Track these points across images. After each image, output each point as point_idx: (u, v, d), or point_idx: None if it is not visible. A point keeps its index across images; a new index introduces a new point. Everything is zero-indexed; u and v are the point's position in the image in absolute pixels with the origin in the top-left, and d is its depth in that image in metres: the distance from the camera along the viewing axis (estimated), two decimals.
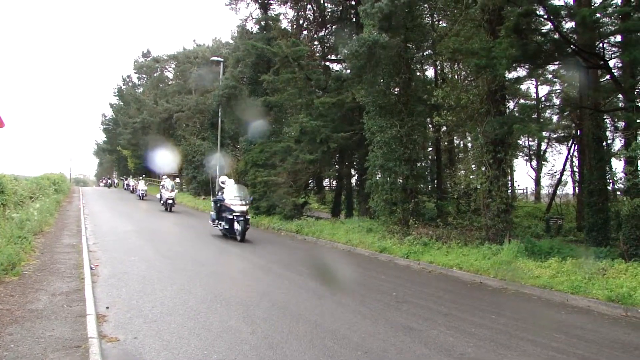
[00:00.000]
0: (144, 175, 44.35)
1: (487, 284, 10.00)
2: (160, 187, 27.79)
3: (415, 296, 8.54)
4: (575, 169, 25.83)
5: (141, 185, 35.64)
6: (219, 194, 16.17)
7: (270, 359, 5.13)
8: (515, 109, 24.89)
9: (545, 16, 11.81)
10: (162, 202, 26.80)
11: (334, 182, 29.98)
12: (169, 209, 25.83)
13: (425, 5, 16.87)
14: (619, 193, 17.75)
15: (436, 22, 19.47)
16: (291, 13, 26.25)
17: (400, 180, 15.38)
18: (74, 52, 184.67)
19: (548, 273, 9.57)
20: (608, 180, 15.01)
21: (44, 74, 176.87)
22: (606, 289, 8.30)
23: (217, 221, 16.16)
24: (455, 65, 19.96)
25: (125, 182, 51.21)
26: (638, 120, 12.05)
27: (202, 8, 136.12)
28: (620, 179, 14.93)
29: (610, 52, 16.44)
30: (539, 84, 29.64)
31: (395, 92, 16.16)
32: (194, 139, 38.42)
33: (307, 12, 25.33)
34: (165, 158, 40.77)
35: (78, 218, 18.79)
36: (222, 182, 16.56)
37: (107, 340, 5.47)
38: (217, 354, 5.18)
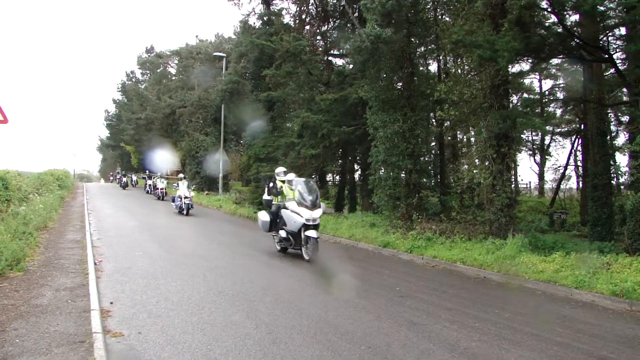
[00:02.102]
0: (183, 175, 26.12)
1: (491, 278, 9.99)
2: (269, 193, 12.68)
3: (419, 291, 8.54)
4: (579, 163, 25.83)
5: (183, 190, 22.09)
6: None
7: (274, 353, 5.14)
8: (518, 103, 24.75)
9: (549, 9, 11.74)
10: (284, 234, 11.64)
11: (337, 177, 29.97)
12: (307, 253, 11.08)
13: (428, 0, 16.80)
14: (622, 187, 17.72)
15: (439, 17, 19.36)
16: (294, 8, 26.21)
17: (404, 175, 15.36)
18: (77, 48, 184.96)
19: (552, 267, 9.54)
20: (612, 175, 14.96)
21: (47, 70, 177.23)
22: (610, 283, 8.27)
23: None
24: (459, 60, 19.90)
25: (149, 181, 36.74)
26: None
27: (204, 4, 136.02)
28: (625, 173, 14.90)
29: (614, 45, 16.33)
30: (542, 77, 29.51)
31: (398, 87, 16.12)
32: (197, 134, 38.48)
33: (310, 7, 25.29)
34: (168, 154, 40.93)
35: (82, 214, 18.84)
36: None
37: (112, 335, 5.49)
38: (220, 349, 5.19)
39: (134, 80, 59.88)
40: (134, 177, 47.41)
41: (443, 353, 5.36)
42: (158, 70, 54.59)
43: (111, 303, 6.74)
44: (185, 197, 21.80)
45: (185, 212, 21.51)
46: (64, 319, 5.78)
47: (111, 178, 62.53)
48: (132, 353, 5.06)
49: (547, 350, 5.54)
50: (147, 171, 44.93)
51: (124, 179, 43.90)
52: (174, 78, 51.82)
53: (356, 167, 25.08)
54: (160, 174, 36.55)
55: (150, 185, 35.95)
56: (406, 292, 8.33)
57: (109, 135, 71.54)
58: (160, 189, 31.00)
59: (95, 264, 9.16)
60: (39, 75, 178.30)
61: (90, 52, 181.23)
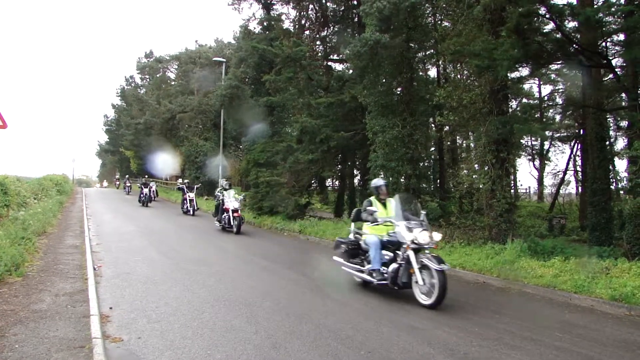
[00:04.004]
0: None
1: (490, 283, 9.99)
2: None
3: None
4: (578, 169, 25.87)
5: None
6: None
7: (274, 358, 5.14)
8: (518, 109, 24.84)
9: (548, 16, 11.79)
10: None
11: (337, 182, 29.98)
12: None
13: (427, 5, 16.86)
14: (622, 192, 17.74)
15: (438, 22, 19.45)
16: (293, 13, 26.31)
17: (403, 180, 15.38)
18: (77, 53, 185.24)
19: (551, 272, 9.55)
20: (611, 180, 14.97)
21: (47, 75, 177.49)
22: (609, 288, 8.27)
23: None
24: (458, 65, 19.97)
25: (189, 194, 24.45)
26: None
27: (204, 8, 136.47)
28: (624, 178, 14.92)
29: (613, 51, 16.40)
30: (541, 83, 29.59)
31: (398, 92, 16.17)
32: (197, 139, 38.55)
33: (310, 12, 25.38)
34: (167, 159, 40.85)
35: (81, 219, 18.82)
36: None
37: (111, 340, 5.48)
38: (220, 354, 5.19)
39: (133, 85, 60.05)
40: (154, 186, 32.08)
41: (443, 358, 5.36)
42: (157, 75, 54.69)
43: (110, 308, 6.74)
44: None
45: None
46: (63, 324, 5.78)
47: (117, 182, 54.65)
48: (131, 358, 5.05)
49: (546, 355, 5.54)
50: (183, 179, 29.57)
51: (145, 190, 28.90)
52: (173, 83, 51.95)
53: (355, 172, 25.09)
54: (227, 181, 20.44)
55: (187, 200, 24.35)
56: (406, 297, 8.32)
57: (108, 140, 71.59)
58: (234, 211, 17.27)
59: (94, 269, 9.15)
60: (38, 80, 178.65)
61: (90, 57, 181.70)
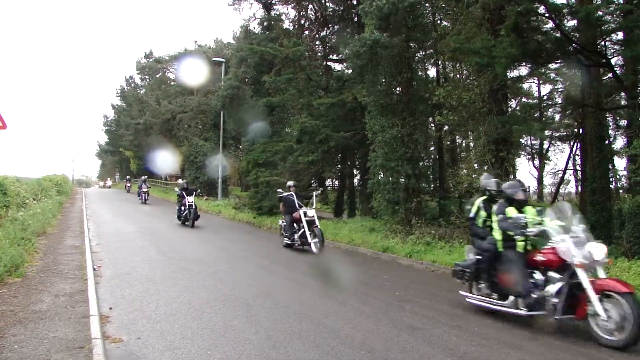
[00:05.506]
0: None
1: None
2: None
3: (418, 295, 8.53)
4: (578, 168, 25.84)
5: None
6: None
7: (274, 358, 5.14)
8: (517, 108, 24.83)
9: (547, 15, 11.78)
10: None
11: (336, 182, 29.97)
12: None
13: (427, 5, 16.86)
14: (621, 191, 17.74)
15: (437, 22, 19.46)
16: (293, 13, 26.33)
17: (403, 180, 15.36)
18: (76, 53, 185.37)
19: None
20: (611, 179, 14.96)
21: (46, 76, 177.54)
22: None
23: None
24: (457, 65, 19.97)
25: (305, 215, 13.37)
26: None
27: (203, 8, 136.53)
28: (623, 177, 14.91)
29: (612, 50, 16.39)
30: (541, 82, 29.56)
31: (397, 92, 16.16)
32: (197, 139, 38.50)
33: (309, 12, 25.38)
34: (167, 159, 40.72)
35: (81, 219, 18.81)
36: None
37: (111, 340, 5.48)
38: (220, 354, 5.18)
39: (133, 85, 60.04)
40: (195, 194, 20.51)
41: (443, 357, 5.35)
42: (157, 76, 54.64)
43: (110, 309, 6.73)
44: None
45: None
46: (63, 324, 5.77)
47: (128, 185, 46.51)
48: (131, 358, 5.05)
49: (547, 354, 5.54)
50: (290, 186, 14.75)
51: (189, 200, 18.68)
52: (173, 83, 51.88)
53: (355, 171, 25.10)
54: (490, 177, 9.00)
55: (303, 225, 13.52)
56: (406, 297, 8.32)
57: (107, 140, 71.58)
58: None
59: (94, 269, 9.14)
60: (37, 80, 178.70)
61: (89, 58, 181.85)
